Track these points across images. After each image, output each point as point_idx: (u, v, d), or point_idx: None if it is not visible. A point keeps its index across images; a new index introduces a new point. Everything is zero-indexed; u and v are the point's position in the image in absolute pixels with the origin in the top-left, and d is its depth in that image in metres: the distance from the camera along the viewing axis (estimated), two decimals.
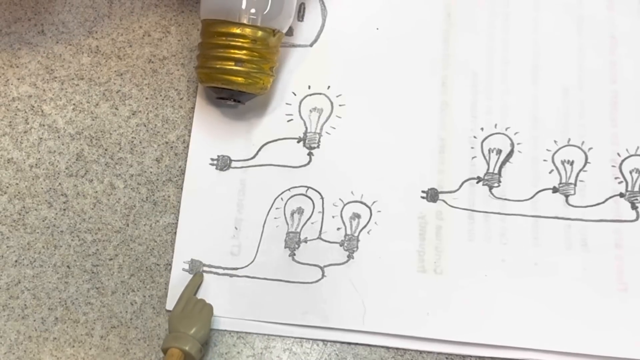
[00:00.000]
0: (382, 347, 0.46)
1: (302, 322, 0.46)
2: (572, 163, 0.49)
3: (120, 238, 0.49)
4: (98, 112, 0.51)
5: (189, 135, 0.51)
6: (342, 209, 0.49)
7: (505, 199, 0.48)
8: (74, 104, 0.51)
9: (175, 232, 0.48)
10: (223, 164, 0.50)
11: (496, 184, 0.49)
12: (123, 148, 0.50)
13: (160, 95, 0.51)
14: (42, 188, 0.49)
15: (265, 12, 0.47)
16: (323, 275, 0.47)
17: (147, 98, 0.51)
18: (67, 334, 0.47)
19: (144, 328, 0.47)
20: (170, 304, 0.47)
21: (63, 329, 0.47)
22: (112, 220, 0.49)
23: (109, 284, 0.48)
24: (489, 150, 0.49)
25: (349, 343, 0.46)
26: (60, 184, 0.49)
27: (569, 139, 0.49)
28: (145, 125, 0.51)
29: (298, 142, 0.50)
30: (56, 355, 0.46)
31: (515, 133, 0.49)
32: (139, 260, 0.48)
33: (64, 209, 0.49)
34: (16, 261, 0.48)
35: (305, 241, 0.48)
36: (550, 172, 0.49)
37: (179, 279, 0.47)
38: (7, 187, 0.50)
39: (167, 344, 0.44)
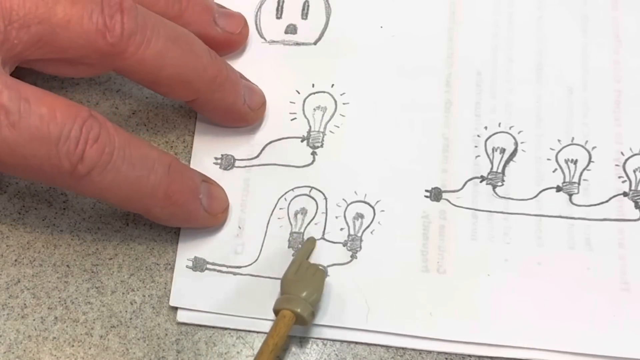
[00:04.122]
0: (382, 347, 0.46)
1: None
2: (575, 162, 0.49)
3: (120, 237, 0.48)
4: (98, 111, 0.50)
5: (189, 135, 0.51)
6: (346, 209, 0.48)
7: (509, 198, 0.48)
8: None
9: (175, 231, 0.48)
10: (227, 163, 0.50)
11: (500, 183, 0.49)
12: None
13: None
14: (41, 187, 0.49)
15: None
16: (326, 275, 0.47)
17: (147, 97, 0.51)
18: (66, 334, 0.46)
19: (144, 328, 0.47)
20: (174, 301, 0.47)
21: (62, 328, 0.47)
22: (112, 220, 0.49)
23: (109, 283, 0.47)
24: (493, 149, 0.49)
25: (349, 342, 0.46)
26: None
27: (573, 138, 0.49)
28: (145, 125, 0.51)
29: (302, 141, 0.50)
30: (55, 354, 0.46)
31: (519, 132, 0.50)
32: (139, 260, 0.48)
33: (64, 208, 0.49)
34: (16, 260, 0.48)
35: None
36: (554, 171, 0.49)
37: (182, 276, 0.47)
38: (7, 185, 0.49)
39: (279, 305, 0.44)
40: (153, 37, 0.44)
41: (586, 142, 0.49)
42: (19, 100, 0.40)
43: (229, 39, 0.51)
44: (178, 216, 0.46)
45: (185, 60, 0.45)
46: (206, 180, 0.47)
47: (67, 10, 0.42)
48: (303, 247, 0.47)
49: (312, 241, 0.48)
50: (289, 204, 0.49)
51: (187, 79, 0.46)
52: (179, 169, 0.45)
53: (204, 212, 0.46)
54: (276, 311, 0.45)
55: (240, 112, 0.49)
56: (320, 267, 0.46)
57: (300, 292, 0.45)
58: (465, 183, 0.49)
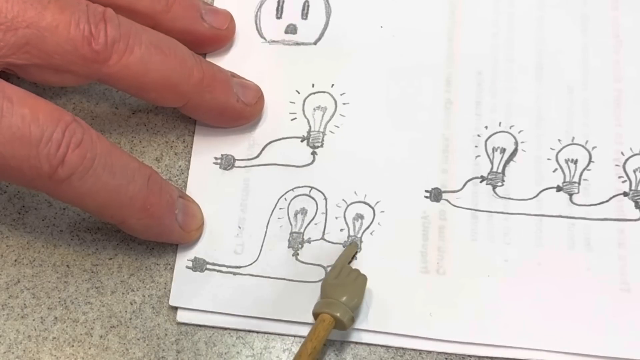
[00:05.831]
0: (382, 347, 0.46)
1: (305, 320, 0.46)
2: (576, 162, 0.49)
3: (120, 237, 0.48)
4: (98, 111, 0.51)
5: (189, 135, 0.50)
6: (346, 209, 0.48)
7: (509, 198, 0.48)
8: (73, 103, 0.51)
9: None
10: (227, 163, 0.50)
11: (500, 183, 0.49)
12: (123, 147, 0.50)
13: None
14: None
15: None
16: (326, 275, 0.47)
17: None
18: (66, 334, 0.46)
19: (144, 328, 0.47)
20: (173, 301, 0.47)
21: (62, 328, 0.47)
22: None
23: (109, 283, 0.47)
24: (493, 149, 0.49)
25: (349, 342, 0.46)
26: None
27: (573, 138, 0.49)
28: (145, 125, 0.51)
29: (302, 141, 0.50)
30: (55, 354, 0.46)
31: (520, 132, 0.49)
32: (138, 260, 0.48)
33: (64, 208, 0.49)
34: (16, 260, 0.48)
35: (309, 241, 0.48)
36: (554, 171, 0.49)
37: (182, 276, 0.47)
38: (7, 185, 0.49)
39: (318, 309, 0.44)
40: (135, 44, 0.44)
41: (586, 142, 0.49)
42: (2, 99, 0.40)
43: (217, 34, 0.51)
44: (153, 229, 0.46)
45: (169, 64, 0.46)
46: (183, 196, 0.47)
47: (55, 16, 0.42)
48: (344, 252, 0.47)
49: (354, 245, 0.47)
50: (289, 204, 0.49)
51: (172, 83, 0.46)
52: (158, 182, 0.45)
53: (179, 228, 0.46)
54: (315, 314, 0.45)
55: (235, 110, 0.49)
56: (362, 273, 0.46)
57: (340, 296, 0.44)
58: (465, 183, 0.49)
